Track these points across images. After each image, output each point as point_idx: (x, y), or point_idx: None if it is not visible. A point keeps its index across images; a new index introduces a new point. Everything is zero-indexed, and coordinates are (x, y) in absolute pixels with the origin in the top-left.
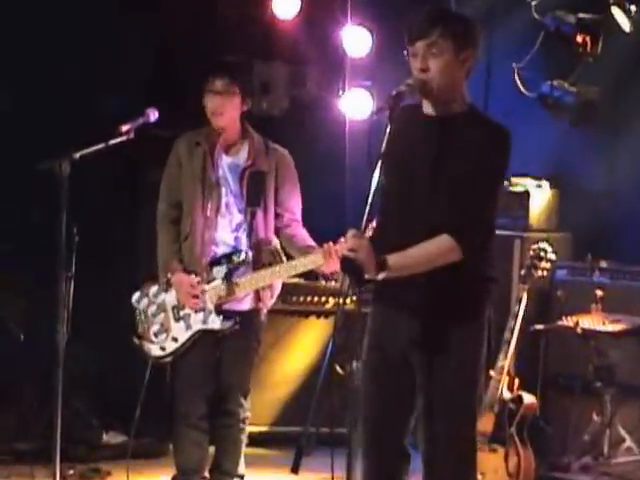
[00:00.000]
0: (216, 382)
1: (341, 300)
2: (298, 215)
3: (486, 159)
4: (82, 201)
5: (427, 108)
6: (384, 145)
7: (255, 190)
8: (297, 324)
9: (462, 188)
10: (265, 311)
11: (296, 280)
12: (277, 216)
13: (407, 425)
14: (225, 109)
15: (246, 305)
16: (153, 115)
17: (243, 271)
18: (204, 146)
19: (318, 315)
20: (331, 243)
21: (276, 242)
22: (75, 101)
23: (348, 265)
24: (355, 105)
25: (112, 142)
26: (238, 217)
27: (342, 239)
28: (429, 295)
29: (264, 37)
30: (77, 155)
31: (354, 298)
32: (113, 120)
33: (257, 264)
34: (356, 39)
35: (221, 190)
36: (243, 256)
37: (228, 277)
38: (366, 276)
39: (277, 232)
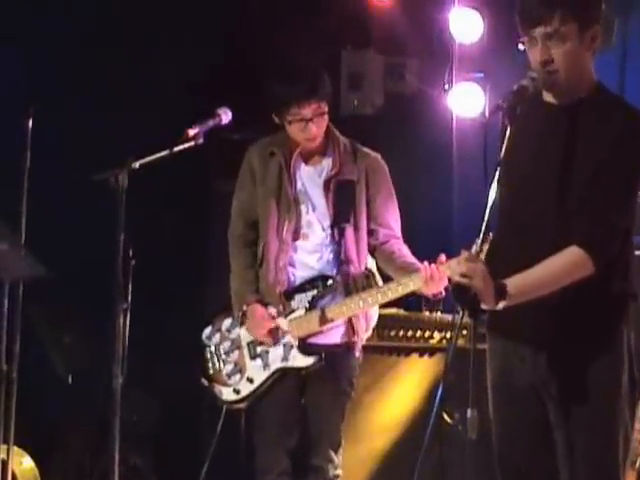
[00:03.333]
0: (300, 432)
1: (452, 335)
2: (397, 230)
3: (622, 151)
4: (142, 218)
5: (547, 95)
6: (503, 152)
7: (343, 203)
8: (396, 363)
9: (593, 188)
10: (360, 346)
11: (394, 311)
12: (371, 233)
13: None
14: (320, 131)
15: (336, 338)
16: (225, 116)
17: (330, 299)
18: (279, 157)
19: (422, 353)
20: (430, 264)
21: (371, 263)
22: (133, 101)
23: (461, 294)
24: (464, 101)
25: (178, 148)
26: (323, 236)
27: (442, 257)
28: (554, 321)
29: (355, 21)
30: (137, 164)
31: (466, 332)
32: (179, 123)
33: (348, 290)
34: (465, 23)
35: (300, 208)
36: (330, 282)
37: (312, 306)
38: (483, 306)
39: (372, 251)
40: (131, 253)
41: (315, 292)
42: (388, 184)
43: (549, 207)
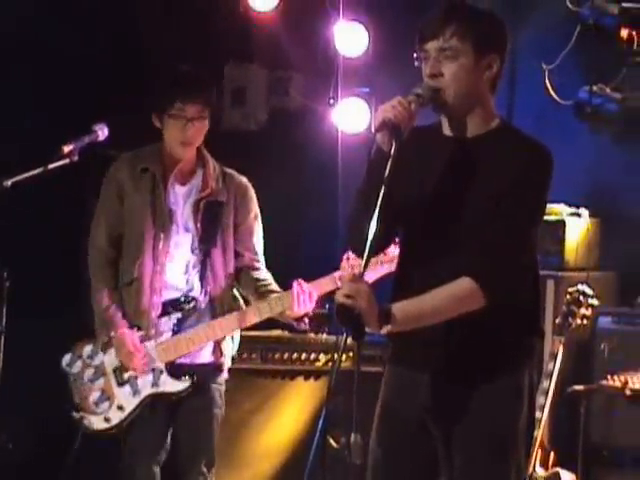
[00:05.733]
0: (173, 455)
1: (336, 357)
2: (260, 255)
3: (519, 186)
4: (14, 239)
5: (445, 128)
6: (388, 170)
7: (211, 224)
8: (281, 387)
9: (489, 221)
10: (227, 366)
11: (279, 333)
12: (236, 256)
13: None
14: (197, 138)
15: (205, 358)
16: (102, 132)
17: (195, 320)
18: (153, 173)
19: (307, 376)
20: (301, 280)
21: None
22: (6, 117)
23: (345, 315)
24: (349, 117)
25: (52, 166)
26: (191, 257)
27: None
28: (457, 354)
29: (237, 34)
30: (8, 183)
31: (352, 354)
32: (52, 139)
33: (214, 311)
34: (349, 37)
35: (172, 227)
36: (194, 303)
37: (178, 329)
38: (367, 329)
39: (237, 274)
40: (5, 274)
41: (180, 315)
42: (255, 208)
43: (446, 238)
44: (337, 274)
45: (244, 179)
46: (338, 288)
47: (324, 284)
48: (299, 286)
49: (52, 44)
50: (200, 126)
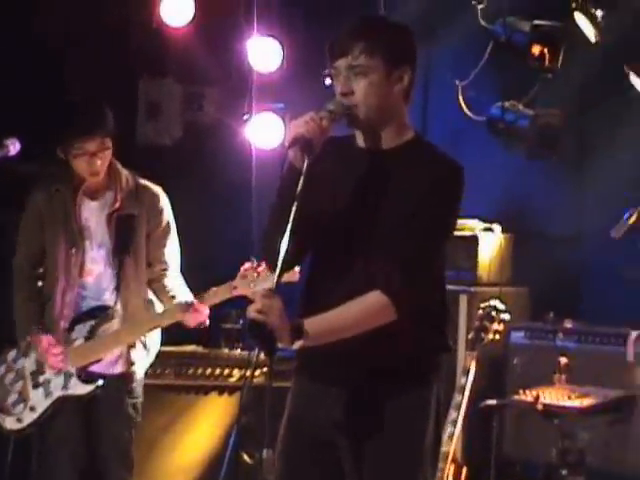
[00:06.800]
0: (90, 456)
1: (248, 373)
2: (173, 264)
3: (431, 200)
4: None
5: (360, 140)
6: (300, 186)
7: (123, 236)
8: (195, 402)
9: (400, 236)
10: (141, 373)
11: (192, 348)
12: (148, 265)
13: None
14: (105, 165)
15: (115, 368)
16: (14, 147)
17: (111, 328)
18: (64, 194)
19: (221, 391)
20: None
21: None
22: None
23: (257, 330)
24: (263, 132)
25: None
26: (106, 270)
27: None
28: (360, 366)
29: (151, 49)
30: None
31: (264, 370)
32: None
33: (127, 319)
34: (263, 52)
35: (85, 244)
36: (107, 311)
37: (91, 335)
38: (278, 344)
39: (150, 283)
40: None
41: (93, 322)
42: (167, 218)
43: (357, 251)
44: (234, 282)
45: (157, 190)
46: (237, 296)
47: (220, 293)
48: (190, 306)
49: None
50: (105, 155)
